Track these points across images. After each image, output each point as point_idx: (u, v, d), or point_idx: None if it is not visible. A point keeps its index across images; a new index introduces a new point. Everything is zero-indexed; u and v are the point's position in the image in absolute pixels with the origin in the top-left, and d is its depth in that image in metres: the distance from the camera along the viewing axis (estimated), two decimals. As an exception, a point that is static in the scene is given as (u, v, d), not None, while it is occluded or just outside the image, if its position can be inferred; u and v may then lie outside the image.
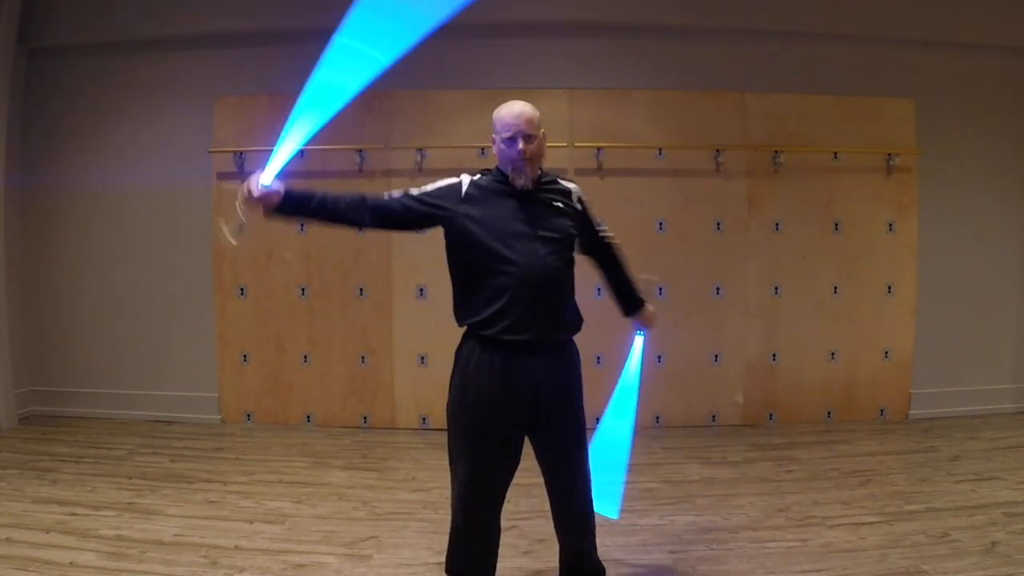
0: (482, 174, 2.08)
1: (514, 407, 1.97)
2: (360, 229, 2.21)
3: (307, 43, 4.43)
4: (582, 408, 2.09)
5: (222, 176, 4.36)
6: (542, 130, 2.03)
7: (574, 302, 2.09)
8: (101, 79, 4.44)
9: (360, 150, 4.24)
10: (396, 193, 2.04)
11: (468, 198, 2.01)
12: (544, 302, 1.95)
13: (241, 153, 4.27)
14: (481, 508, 2.05)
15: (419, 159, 4.26)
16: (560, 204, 2.05)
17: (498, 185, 2.03)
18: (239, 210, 1.94)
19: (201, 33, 4.32)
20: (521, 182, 1.99)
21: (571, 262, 2.07)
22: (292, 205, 1.97)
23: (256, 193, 1.90)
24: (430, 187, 2.03)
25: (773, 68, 4.36)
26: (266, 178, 1.92)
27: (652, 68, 4.37)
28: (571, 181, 2.15)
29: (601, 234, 2.21)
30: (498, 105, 2.08)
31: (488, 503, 2.05)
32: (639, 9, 4.24)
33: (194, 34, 4.33)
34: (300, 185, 2.04)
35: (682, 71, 4.35)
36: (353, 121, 4.31)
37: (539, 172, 2.06)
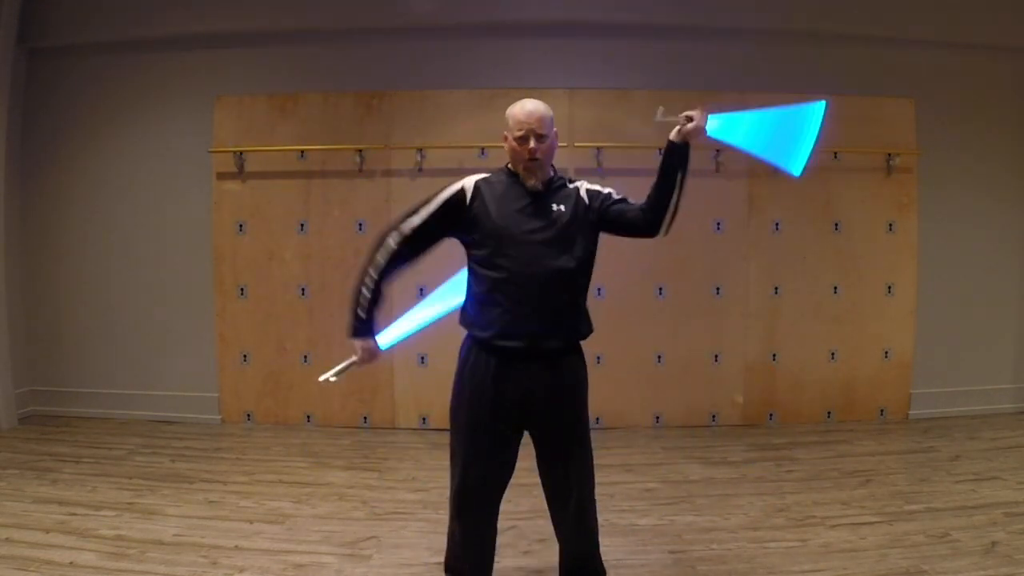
0: (489, 174, 2.05)
1: (506, 410, 1.96)
2: (405, 264, 2.07)
3: (307, 43, 4.50)
4: (584, 413, 2.05)
5: (222, 176, 4.36)
6: (554, 129, 2.00)
7: (582, 309, 2.03)
8: (101, 79, 4.44)
9: (360, 150, 4.23)
10: (405, 228, 2.00)
11: (476, 197, 1.98)
12: (541, 309, 1.91)
13: (241, 153, 4.28)
14: (473, 506, 2.05)
15: (419, 159, 4.25)
16: (567, 207, 1.98)
17: (508, 183, 2.00)
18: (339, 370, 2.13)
19: (201, 33, 4.32)
20: (532, 182, 1.96)
21: (579, 269, 1.98)
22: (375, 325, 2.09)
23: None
24: (431, 205, 2.00)
25: (773, 68, 4.36)
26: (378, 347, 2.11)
27: (652, 68, 4.37)
28: (573, 180, 2.08)
29: (612, 199, 2.05)
30: (499, 104, 2.06)
31: (480, 502, 2.05)
32: (639, 9, 4.24)
33: (194, 34, 4.33)
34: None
35: (682, 71, 4.35)
36: (353, 121, 4.32)
37: (551, 173, 2.03)
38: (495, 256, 1.92)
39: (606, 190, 2.07)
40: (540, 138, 1.94)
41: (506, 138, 2.00)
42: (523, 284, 1.89)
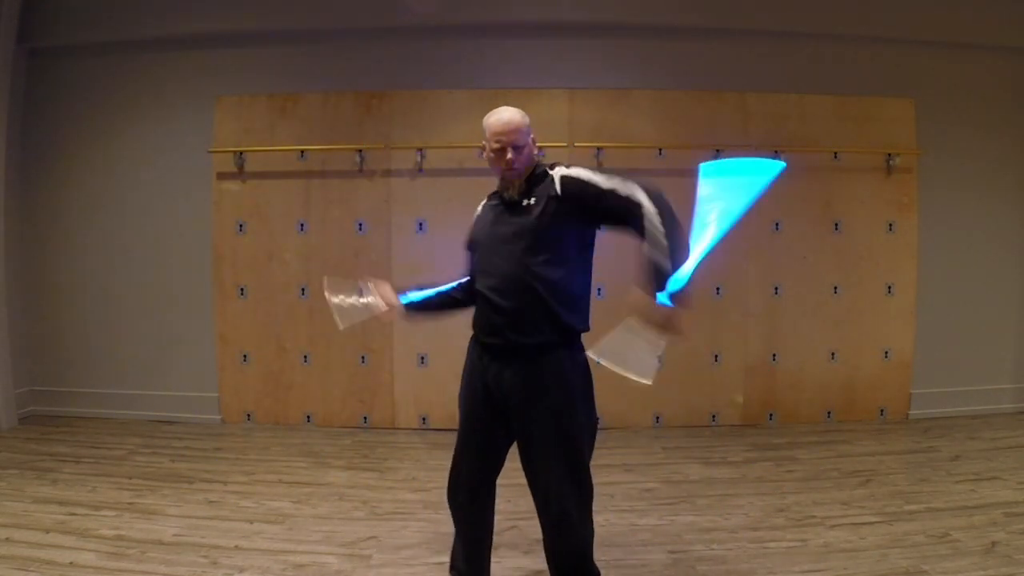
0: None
1: (490, 405, 2.02)
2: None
3: (307, 43, 4.50)
4: (567, 413, 1.91)
5: (222, 176, 4.36)
6: (532, 136, 1.99)
7: (564, 303, 1.91)
8: (101, 79, 4.44)
9: (360, 150, 4.23)
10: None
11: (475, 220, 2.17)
12: (513, 307, 1.91)
13: (241, 153, 4.28)
14: (461, 494, 2.11)
15: (419, 159, 4.25)
16: (537, 201, 1.91)
17: (493, 194, 2.10)
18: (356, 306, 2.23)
19: (201, 33, 4.32)
20: (508, 193, 1.99)
21: (551, 263, 1.89)
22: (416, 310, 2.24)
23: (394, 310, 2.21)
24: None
25: (773, 68, 4.36)
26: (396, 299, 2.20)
27: (652, 68, 4.37)
28: (560, 165, 1.97)
29: (604, 194, 1.85)
30: (499, 105, 2.05)
31: (470, 492, 2.10)
32: (639, 9, 4.24)
33: (194, 34, 4.33)
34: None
35: (682, 71, 4.35)
36: (353, 121, 4.32)
37: (533, 168, 1.99)
38: (478, 261, 2.06)
39: (593, 181, 1.87)
40: (517, 149, 1.94)
41: (484, 147, 2.01)
42: (496, 283, 1.96)
